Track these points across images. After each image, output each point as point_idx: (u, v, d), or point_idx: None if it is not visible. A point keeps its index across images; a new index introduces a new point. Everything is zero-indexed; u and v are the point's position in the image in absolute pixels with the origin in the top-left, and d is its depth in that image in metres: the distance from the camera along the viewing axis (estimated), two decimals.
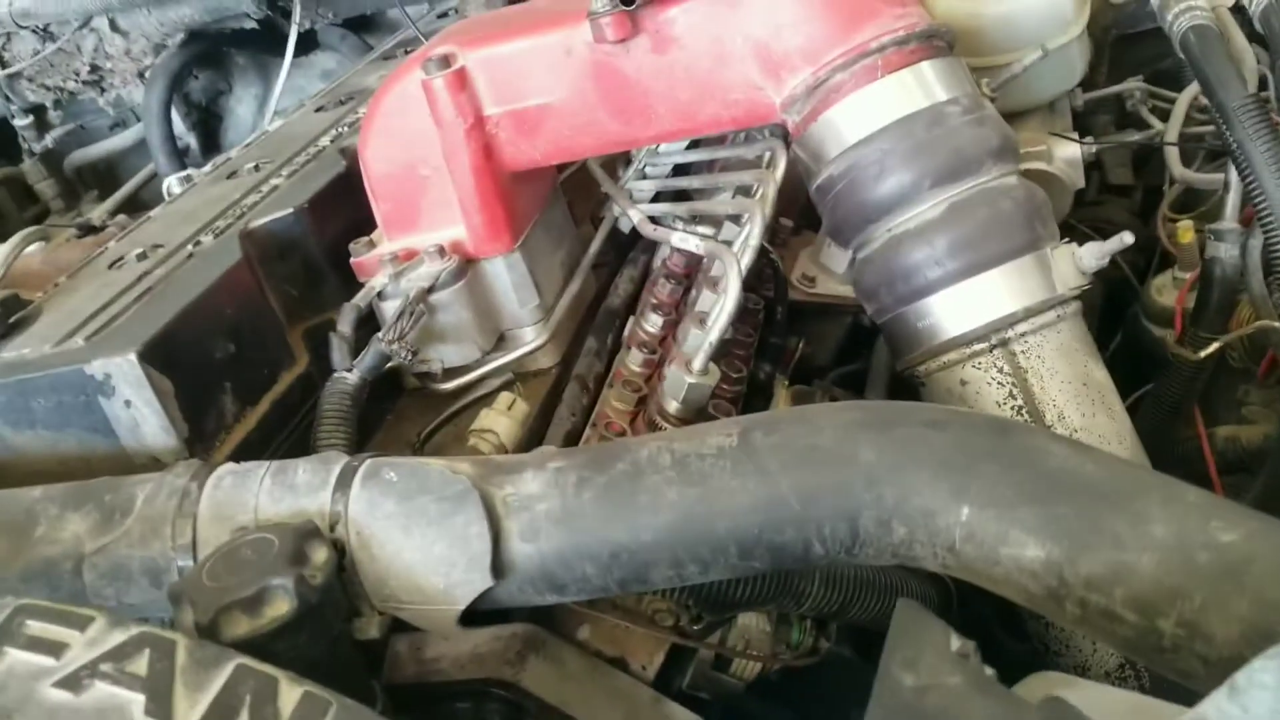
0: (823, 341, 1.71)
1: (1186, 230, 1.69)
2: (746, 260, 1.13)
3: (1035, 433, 0.88)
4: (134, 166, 2.65)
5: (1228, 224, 1.46)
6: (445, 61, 1.28)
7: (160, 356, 1.11)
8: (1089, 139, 1.65)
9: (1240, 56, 1.39)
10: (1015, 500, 0.82)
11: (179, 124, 2.59)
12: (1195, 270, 1.67)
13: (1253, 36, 1.44)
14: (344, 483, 0.94)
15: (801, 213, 1.77)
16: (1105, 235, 2.08)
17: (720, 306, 1.09)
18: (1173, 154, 1.77)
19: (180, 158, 2.48)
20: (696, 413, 1.10)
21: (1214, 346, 1.36)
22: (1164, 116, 1.97)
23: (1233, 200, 1.48)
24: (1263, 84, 1.45)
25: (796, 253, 1.75)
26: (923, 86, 1.18)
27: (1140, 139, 1.79)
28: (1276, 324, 1.26)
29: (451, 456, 0.96)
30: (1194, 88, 1.89)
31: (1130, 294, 1.93)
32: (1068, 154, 1.60)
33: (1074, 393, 1.16)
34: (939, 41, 1.21)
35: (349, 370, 1.24)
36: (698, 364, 1.09)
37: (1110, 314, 1.92)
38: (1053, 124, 1.70)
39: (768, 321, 1.53)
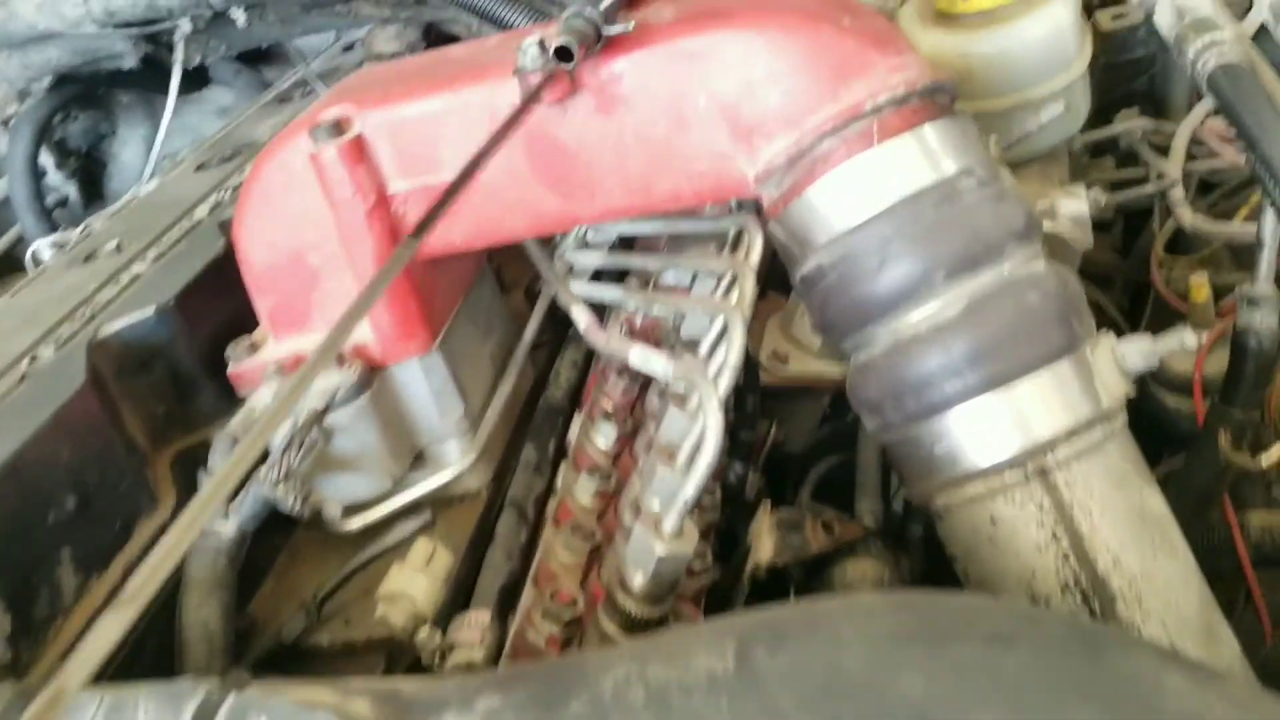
0: (797, 425, 1.48)
1: (1201, 286, 1.48)
2: (725, 385, 0.89)
3: (1139, 653, 0.65)
4: (7, 223, 2.35)
5: (1263, 288, 1.25)
6: (338, 127, 1.04)
7: None
8: (1096, 189, 1.43)
9: (1271, 94, 1.19)
10: None
11: (54, 175, 2.31)
12: (1213, 332, 1.47)
13: None
14: None
15: (767, 273, 1.54)
16: (1085, 276, 1.90)
17: (698, 449, 0.85)
18: (1179, 197, 1.57)
19: (49, 216, 2.19)
20: (669, 586, 0.87)
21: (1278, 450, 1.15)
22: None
23: (1267, 259, 1.27)
24: None
25: (763, 321, 1.52)
26: (928, 155, 0.96)
27: (1154, 189, 1.58)
28: None
29: (347, 687, 0.71)
30: (1193, 119, 1.70)
31: None
32: (1074, 211, 1.38)
33: (1131, 531, 0.93)
34: (942, 97, 0.99)
35: (224, 518, 0.99)
36: (670, 525, 0.85)
37: None
38: (1051, 173, 1.49)
39: (737, 412, 1.30)
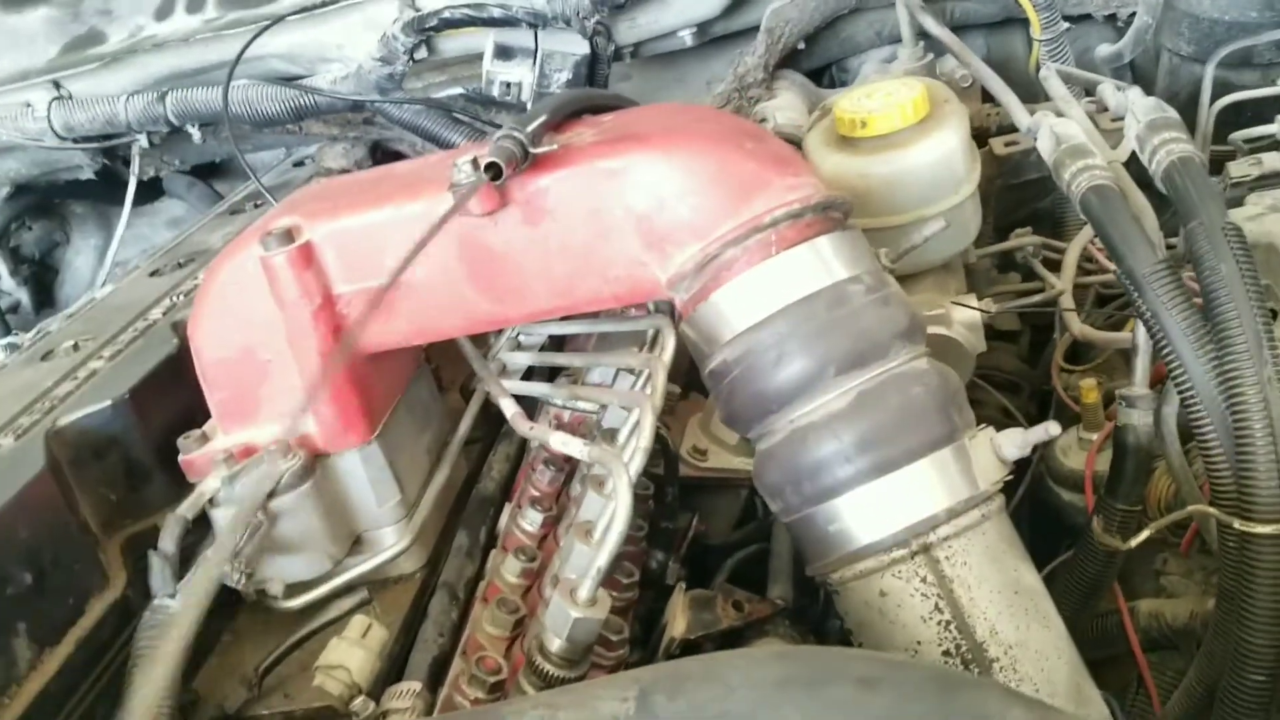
0: (717, 517, 1.57)
1: (1091, 389, 1.61)
2: (636, 466, 0.99)
3: (986, 690, 0.74)
4: None
5: (1139, 390, 1.37)
6: (288, 235, 1.13)
7: None
8: (987, 301, 1.56)
9: (1141, 215, 1.32)
10: None
11: (7, 280, 2.38)
12: (1102, 431, 1.59)
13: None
14: None
15: (687, 375, 1.64)
16: (995, 383, 2.03)
17: (610, 524, 0.95)
18: (1069, 309, 1.70)
19: (4, 320, 2.26)
20: (584, 649, 0.95)
21: (1144, 535, 1.25)
22: (1049, 264, 1.92)
23: (1141, 364, 1.39)
24: None
25: (685, 421, 1.62)
26: (822, 263, 1.07)
27: (1041, 299, 1.72)
28: (1209, 509, 1.16)
29: None
30: (1083, 237, 1.84)
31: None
32: (967, 317, 1.51)
33: (1006, 603, 1.03)
34: (835, 213, 1.10)
35: (172, 596, 1.05)
36: (584, 593, 0.93)
37: None
38: (947, 283, 1.62)
39: (657, 502, 1.39)
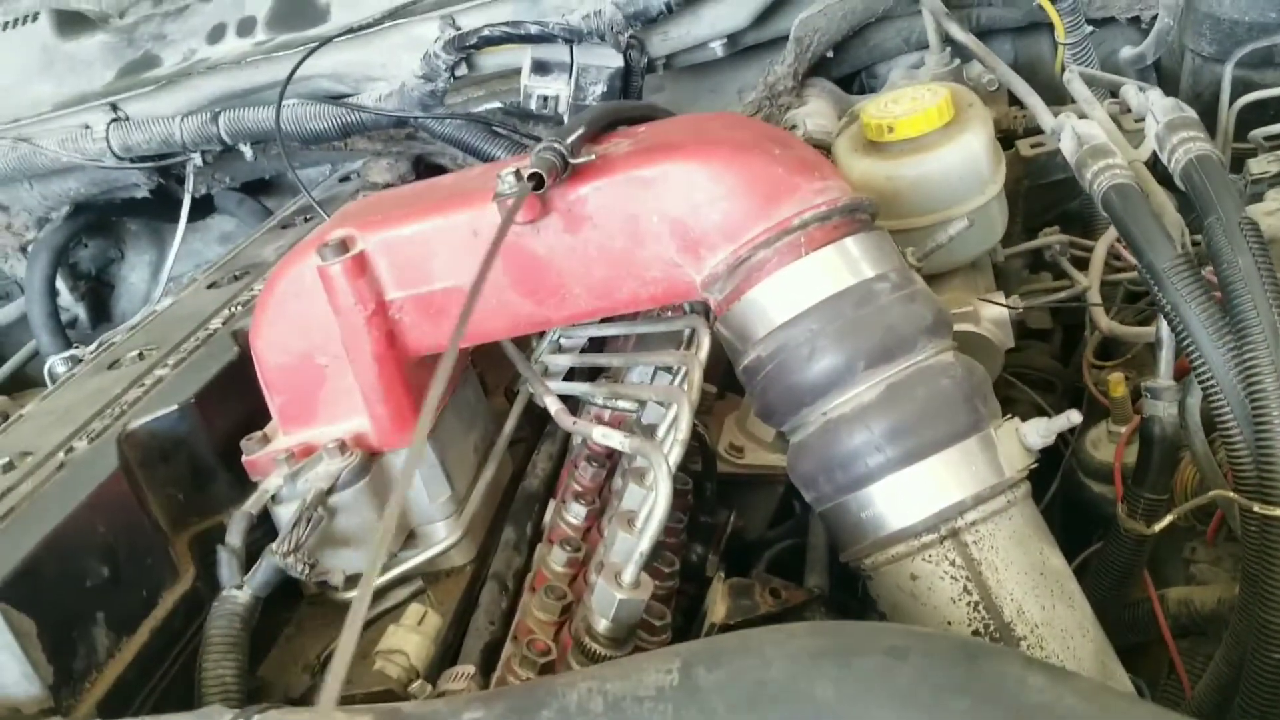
0: (754, 513, 1.62)
1: (1118, 383, 1.65)
2: (675, 457, 1.04)
3: (1007, 658, 0.79)
4: (21, 340, 2.50)
5: (1163, 381, 1.41)
6: (343, 246, 1.20)
7: (21, 593, 0.99)
8: (1015, 298, 1.61)
9: (1162, 211, 1.36)
10: None
11: (65, 296, 2.47)
12: (1131, 424, 1.62)
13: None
14: None
15: (724, 376, 1.70)
16: (1028, 381, 2.07)
17: (651, 512, 1.00)
18: (1096, 304, 1.74)
19: (64, 334, 2.35)
20: (628, 630, 1.00)
21: (1168, 519, 1.29)
22: (1079, 262, 1.96)
23: (1165, 356, 1.43)
24: None
25: (721, 420, 1.67)
26: (849, 263, 1.12)
27: (1066, 295, 1.76)
28: (1230, 494, 1.20)
29: (352, 707, 0.84)
30: (1110, 235, 1.88)
31: (1060, 442, 1.87)
32: (995, 314, 1.55)
33: (1032, 584, 1.08)
34: (862, 215, 1.16)
35: (239, 587, 1.12)
36: (628, 576, 0.99)
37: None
38: (975, 281, 1.66)
39: (696, 498, 1.44)
